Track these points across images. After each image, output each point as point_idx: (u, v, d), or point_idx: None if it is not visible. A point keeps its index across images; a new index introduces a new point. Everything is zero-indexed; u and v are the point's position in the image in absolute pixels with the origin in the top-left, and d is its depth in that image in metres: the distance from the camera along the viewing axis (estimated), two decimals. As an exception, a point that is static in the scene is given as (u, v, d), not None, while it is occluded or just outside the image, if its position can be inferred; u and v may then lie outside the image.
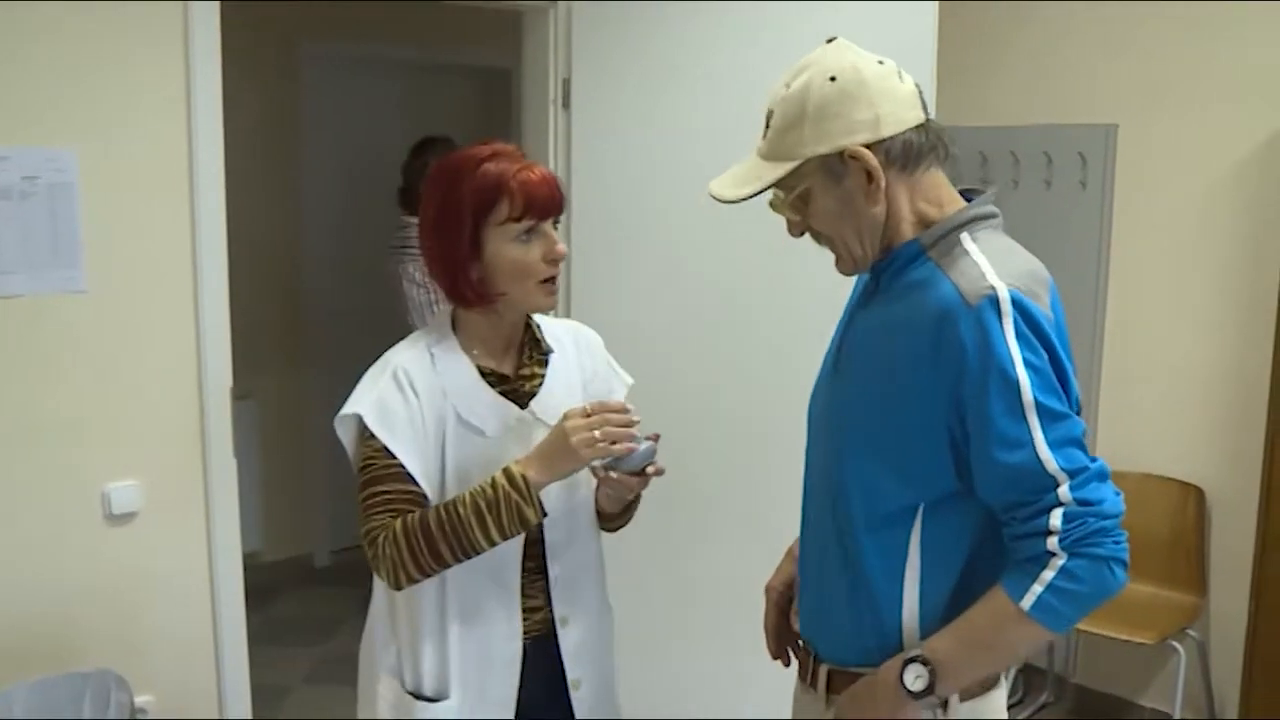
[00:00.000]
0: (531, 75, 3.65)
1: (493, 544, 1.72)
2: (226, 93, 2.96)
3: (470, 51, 5.27)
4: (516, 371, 1.91)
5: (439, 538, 1.71)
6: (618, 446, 1.72)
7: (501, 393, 1.87)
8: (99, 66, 2.74)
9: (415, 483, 1.78)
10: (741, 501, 3.30)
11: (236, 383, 3.07)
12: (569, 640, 1.94)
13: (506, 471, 1.72)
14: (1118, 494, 1.46)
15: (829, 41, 1.62)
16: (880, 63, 1.57)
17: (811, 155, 1.55)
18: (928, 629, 1.58)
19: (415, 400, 1.80)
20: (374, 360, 1.89)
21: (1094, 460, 1.46)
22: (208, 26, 2.89)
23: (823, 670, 1.71)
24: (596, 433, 1.70)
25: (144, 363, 2.89)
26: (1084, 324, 3.85)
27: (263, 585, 4.68)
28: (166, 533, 2.95)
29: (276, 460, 5.04)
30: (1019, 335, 1.45)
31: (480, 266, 1.81)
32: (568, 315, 3.44)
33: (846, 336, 1.71)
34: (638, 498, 1.97)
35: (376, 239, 4.55)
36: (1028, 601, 1.44)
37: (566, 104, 3.51)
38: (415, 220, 4.03)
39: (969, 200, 1.62)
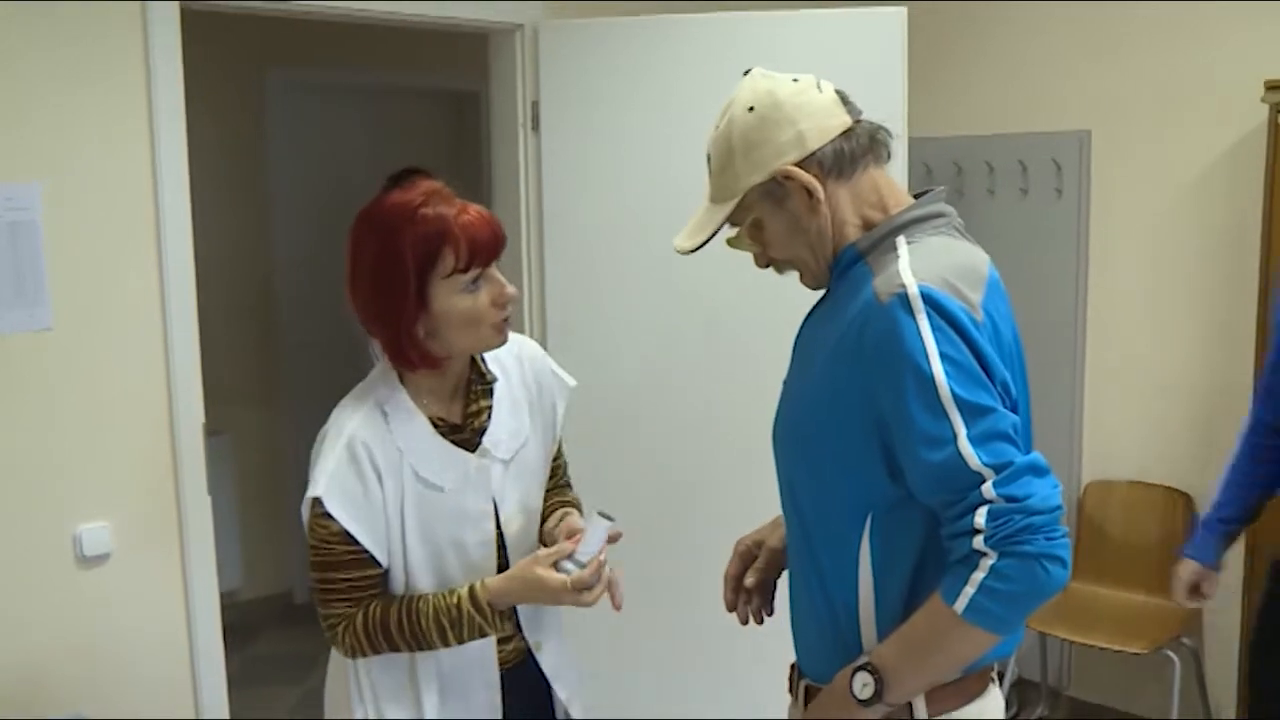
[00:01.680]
0: (500, 98, 3.65)
1: (450, 647, 1.79)
2: (191, 121, 2.95)
3: (439, 75, 5.27)
4: (465, 413, 1.87)
5: (398, 639, 1.76)
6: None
7: (454, 442, 1.84)
8: (58, 99, 2.73)
9: (375, 564, 1.77)
10: (724, 517, 3.29)
11: (209, 418, 3.05)
12: (549, 661, 1.97)
13: (473, 596, 1.76)
14: (1055, 487, 1.43)
15: (745, 74, 1.67)
16: (795, 80, 1.62)
17: (749, 186, 1.60)
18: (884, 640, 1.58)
19: (373, 475, 1.75)
20: (350, 390, 1.87)
21: (1025, 454, 1.44)
22: (169, 53, 2.88)
23: (802, 686, 1.74)
24: (580, 597, 1.75)
25: (113, 399, 2.86)
26: (1064, 332, 3.86)
27: (242, 624, 4.65)
28: (140, 574, 2.92)
29: (253, 496, 5.00)
30: (934, 328, 1.44)
31: (428, 320, 1.75)
32: (543, 338, 3.43)
33: (797, 343, 1.75)
34: None
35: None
36: (960, 604, 1.42)
37: (536, 126, 3.51)
38: None
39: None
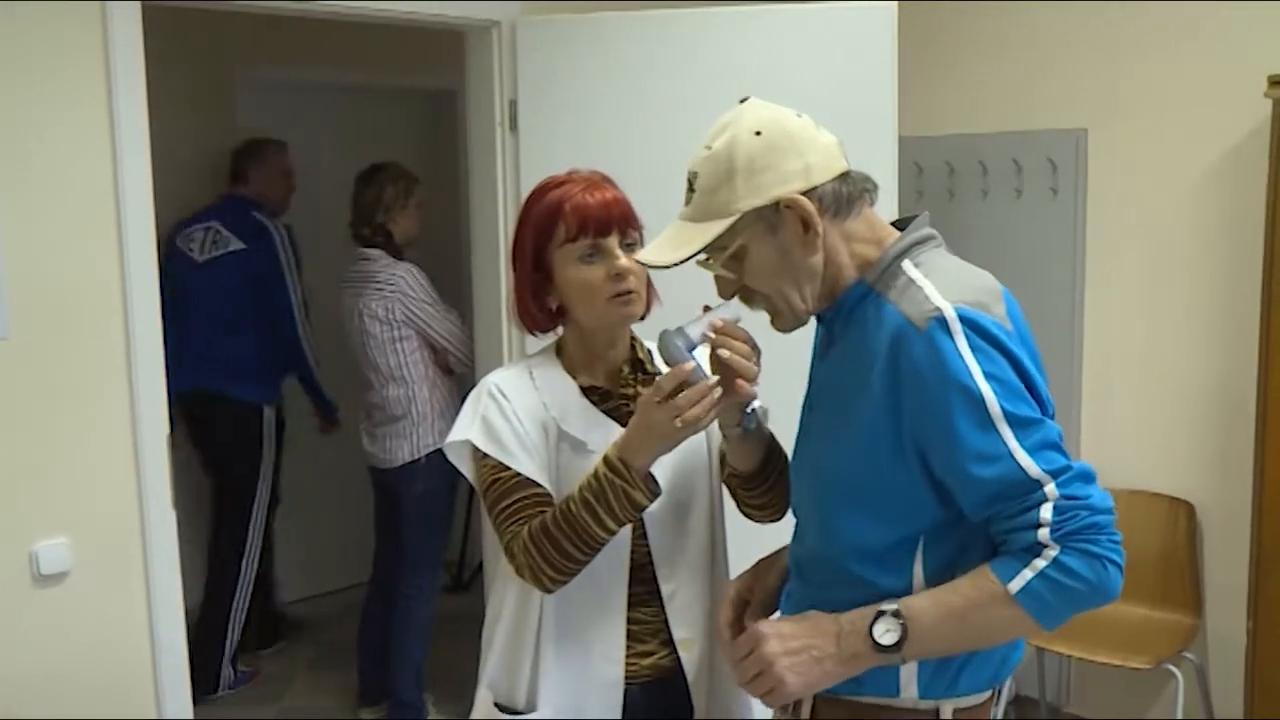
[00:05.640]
0: (477, 97, 3.64)
1: (611, 532, 1.77)
2: (156, 121, 2.92)
3: (414, 74, 5.25)
4: (618, 388, 1.96)
5: (560, 537, 1.76)
6: (703, 422, 1.70)
7: (604, 411, 1.93)
8: (13, 100, 2.70)
9: (537, 484, 1.85)
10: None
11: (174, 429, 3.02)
12: (693, 666, 1.96)
13: (606, 458, 1.77)
14: (1104, 493, 1.50)
15: (742, 101, 1.68)
16: (799, 116, 1.65)
17: (746, 209, 1.60)
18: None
19: (513, 410, 1.88)
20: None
21: (1076, 462, 1.50)
22: (130, 54, 2.85)
23: (806, 701, 1.71)
24: (677, 421, 1.69)
25: (73, 411, 2.83)
26: (1061, 336, 3.85)
27: (210, 643, 4.59)
28: (101, 592, 2.89)
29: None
30: (974, 349, 1.49)
31: (557, 290, 1.91)
32: (522, 340, 3.40)
33: (811, 392, 1.77)
34: (780, 455, 1.94)
35: (318, 272, 4.50)
36: (1016, 585, 1.47)
37: (514, 126, 3.50)
38: (373, 253, 3.97)
39: (902, 230, 1.68)
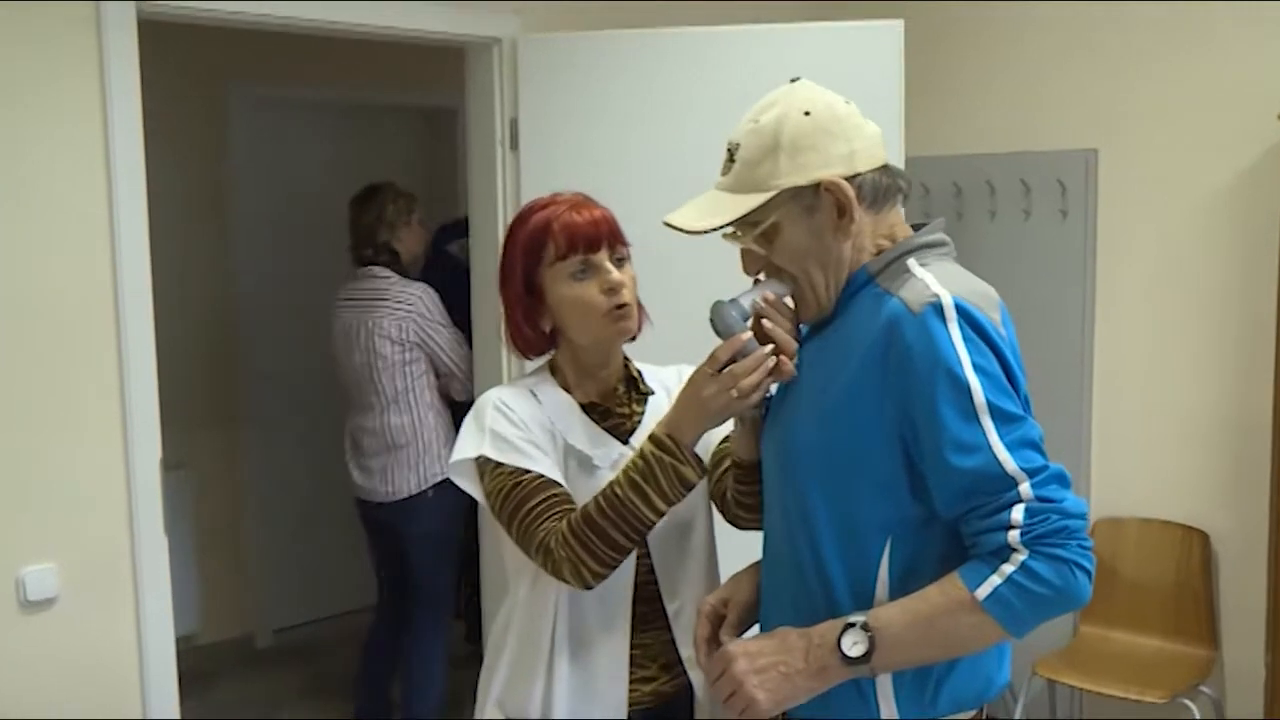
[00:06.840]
0: (477, 115, 3.63)
1: (660, 514, 1.75)
2: (149, 138, 2.90)
3: (414, 91, 5.25)
4: (615, 407, 1.97)
5: (606, 525, 1.74)
6: (755, 394, 1.69)
7: (605, 429, 1.94)
8: (6, 113, 2.68)
9: (559, 484, 1.85)
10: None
11: (167, 451, 3.00)
12: (700, 684, 1.94)
13: (653, 437, 1.75)
14: (1079, 499, 1.50)
15: (793, 81, 1.70)
16: (846, 103, 1.68)
17: (786, 186, 1.61)
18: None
19: (520, 420, 1.88)
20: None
21: (1052, 464, 1.51)
22: (125, 58, 2.83)
23: None
24: (733, 392, 1.68)
25: (63, 432, 2.80)
26: (1071, 361, 3.83)
27: (200, 670, 4.59)
28: (89, 619, 2.86)
29: (214, 534, 4.92)
30: (966, 339, 1.51)
31: (550, 311, 1.92)
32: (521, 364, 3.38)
33: (797, 367, 1.76)
34: None
35: (316, 293, 4.47)
36: (983, 591, 1.47)
37: (515, 144, 3.48)
38: (381, 271, 3.88)
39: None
